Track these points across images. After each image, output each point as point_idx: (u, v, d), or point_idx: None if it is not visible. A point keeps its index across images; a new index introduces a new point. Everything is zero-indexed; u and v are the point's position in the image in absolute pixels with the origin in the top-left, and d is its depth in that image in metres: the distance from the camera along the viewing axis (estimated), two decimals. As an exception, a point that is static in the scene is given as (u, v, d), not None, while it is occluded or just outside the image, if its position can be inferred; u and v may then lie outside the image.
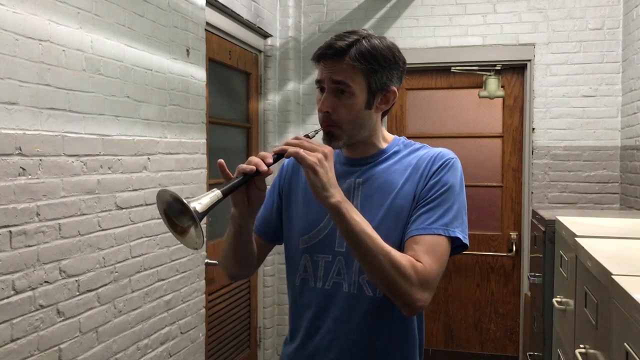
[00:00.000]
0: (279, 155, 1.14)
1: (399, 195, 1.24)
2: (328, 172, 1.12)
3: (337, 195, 1.12)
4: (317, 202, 1.25)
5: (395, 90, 1.27)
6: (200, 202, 1.04)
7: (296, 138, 1.15)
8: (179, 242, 1.15)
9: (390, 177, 1.27)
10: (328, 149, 1.15)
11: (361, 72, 1.21)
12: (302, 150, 1.11)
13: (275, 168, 1.39)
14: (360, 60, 1.20)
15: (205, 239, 2.75)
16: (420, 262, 1.15)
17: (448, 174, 1.24)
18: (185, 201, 1.03)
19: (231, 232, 1.27)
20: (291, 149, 1.11)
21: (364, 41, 1.22)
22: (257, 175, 1.13)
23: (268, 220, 1.40)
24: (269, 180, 1.29)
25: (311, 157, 1.10)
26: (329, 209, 1.13)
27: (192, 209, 1.02)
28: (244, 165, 1.12)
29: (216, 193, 1.07)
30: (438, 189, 1.22)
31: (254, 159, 1.13)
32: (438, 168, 1.24)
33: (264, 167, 1.12)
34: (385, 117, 1.35)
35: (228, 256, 1.33)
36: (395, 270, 1.12)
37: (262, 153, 1.14)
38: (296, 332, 1.35)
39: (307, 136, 1.20)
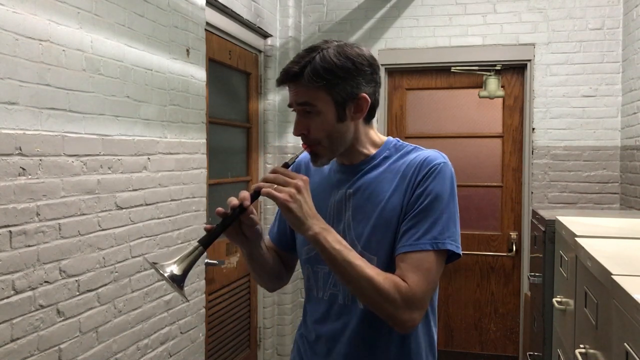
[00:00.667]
0: (256, 193, 1.15)
1: (386, 206, 1.22)
2: (302, 206, 1.12)
3: (314, 227, 1.13)
4: None
5: (366, 96, 1.23)
6: (177, 266, 1.09)
7: (273, 171, 1.16)
8: (176, 292, 1.23)
9: (379, 186, 1.25)
10: (303, 180, 1.14)
11: (322, 89, 1.20)
12: (273, 188, 1.12)
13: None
14: (316, 79, 1.19)
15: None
16: (405, 282, 1.14)
17: (434, 182, 1.19)
18: (161, 272, 1.08)
19: (245, 258, 1.32)
20: (264, 189, 1.12)
21: (317, 58, 1.20)
22: (242, 213, 1.16)
23: (284, 233, 1.43)
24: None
25: (282, 195, 1.11)
26: (310, 241, 1.14)
27: (168, 278, 1.08)
28: (221, 210, 1.16)
29: (195, 246, 1.13)
30: (424, 200, 1.19)
31: (233, 200, 1.15)
32: (424, 176, 1.20)
33: (247, 202, 1.14)
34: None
35: (255, 276, 1.40)
36: (379, 295, 1.13)
37: (242, 194, 1.15)
38: (305, 334, 1.38)
39: (286, 164, 1.21)
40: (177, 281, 1.07)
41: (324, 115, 1.21)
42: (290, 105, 1.26)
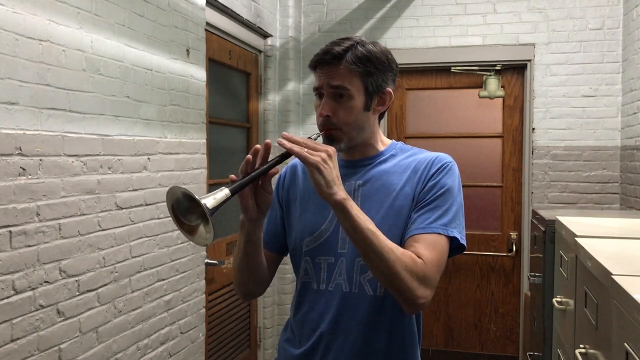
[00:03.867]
0: (282, 157, 1.16)
1: (399, 195, 1.27)
2: (332, 171, 1.14)
3: (341, 192, 1.14)
4: (317, 206, 1.27)
5: (391, 91, 1.31)
6: (212, 198, 1.06)
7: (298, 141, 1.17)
8: (187, 240, 1.18)
9: (390, 178, 1.30)
10: (331, 148, 1.17)
11: (358, 76, 1.25)
12: (305, 150, 1.13)
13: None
14: (357, 63, 1.24)
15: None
16: (421, 258, 1.17)
17: (446, 177, 1.26)
18: (196, 197, 1.04)
19: (241, 243, 1.29)
20: (295, 149, 1.13)
21: (358, 46, 1.25)
22: (264, 175, 1.16)
23: (275, 233, 1.41)
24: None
25: (315, 157, 1.12)
26: (334, 206, 1.15)
27: (203, 204, 1.04)
28: (249, 156, 1.15)
29: (225, 192, 1.09)
30: (436, 191, 1.25)
31: (258, 149, 1.16)
32: (436, 171, 1.27)
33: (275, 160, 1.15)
34: (383, 120, 1.36)
35: (242, 271, 1.34)
36: (399, 265, 1.14)
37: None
38: (297, 332, 1.36)
39: (309, 138, 1.21)
40: (210, 212, 1.04)
41: (354, 101, 1.26)
42: (318, 88, 1.28)
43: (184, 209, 1.09)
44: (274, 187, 1.43)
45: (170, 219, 1.12)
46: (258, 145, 1.17)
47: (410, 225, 1.24)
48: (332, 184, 1.13)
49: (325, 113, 1.25)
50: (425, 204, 1.24)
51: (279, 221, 1.41)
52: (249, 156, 1.15)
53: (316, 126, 1.31)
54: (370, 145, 1.34)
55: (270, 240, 1.40)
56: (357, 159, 1.34)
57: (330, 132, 1.27)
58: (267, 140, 1.18)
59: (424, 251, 1.18)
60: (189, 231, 1.10)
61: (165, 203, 2.42)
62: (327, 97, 1.26)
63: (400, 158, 1.33)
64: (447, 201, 1.24)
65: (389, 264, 1.14)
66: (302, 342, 1.33)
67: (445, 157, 1.30)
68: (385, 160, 1.33)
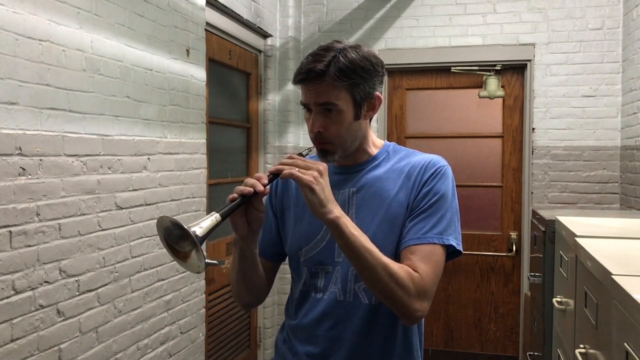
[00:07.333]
0: (274, 175, 1.15)
1: (393, 203, 1.25)
2: (325, 189, 1.13)
3: (335, 210, 1.13)
4: (312, 215, 1.26)
5: (379, 95, 1.28)
6: (200, 226, 1.06)
7: (290, 157, 1.16)
8: (183, 268, 1.17)
9: (384, 185, 1.28)
10: (322, 165, 1.16)
11: (344, 88, 1.21)
12: (297, 169, 1.12)
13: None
14: (341, 78, 1.20)
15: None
16: (417, 272, 1.16)
17: (440, 182, 1.25)
18: (185, 226, 1.04)
19: (236, 258, 1.28)
20: (286, 170, 1.12)
21: (340, 57, 1.20)
22: (254, 196, 1.14)
23: (270, 242, 1.40)
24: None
25: (307, 176, 1.11)
26: (328, 225, 1.14)
27: (192, 233, 1.04)
28: (240, 187, 1.14)
29: (215, 216, 1.09)
30: (431, 198, 1.23)
31: (249, 180, 1.14)
32: (430, 177, 1.25)
33: (260, 187, 1.12)
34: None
35: (238, 284, 1.34)
36: (394, 282, 1.13)
37: (257, 174, 1.15)
38: (293, 338, 1.35)
39: (300, 154, 1.21)
40: (200, 240, 1.04)
41: (343, 114, 1.23)
42: (305, 104, 1.25)
43: (176, 237, 1.08)
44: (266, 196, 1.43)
45: (164, 247, 1.12)
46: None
47: (405, 234, 1.22)
48: (326, 202, 1.12)
49: (317, 129, 1.24)
50: (420, 211, 1.23)
51: (274, 230, 1.40)
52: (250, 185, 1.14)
53: None
54: (362, 150, 1.32)
55: (266, 249, 1.39)
56: (350, 164, 1.32)
57: (323, 147, 1.25)
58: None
59: (420, 264, 1.17)
60: (183, 258, 1.09)
61: (165, 203, 2.42)
62: (316, 114, 1.24)
63: (393, 161, 1.31)
64: (441, 208, 1.23)
65: (384, 281, 1.13)
66: (297, 350, 1.33)
67: (439, 161, 1.28)
68: (378, 165, 1.31)
